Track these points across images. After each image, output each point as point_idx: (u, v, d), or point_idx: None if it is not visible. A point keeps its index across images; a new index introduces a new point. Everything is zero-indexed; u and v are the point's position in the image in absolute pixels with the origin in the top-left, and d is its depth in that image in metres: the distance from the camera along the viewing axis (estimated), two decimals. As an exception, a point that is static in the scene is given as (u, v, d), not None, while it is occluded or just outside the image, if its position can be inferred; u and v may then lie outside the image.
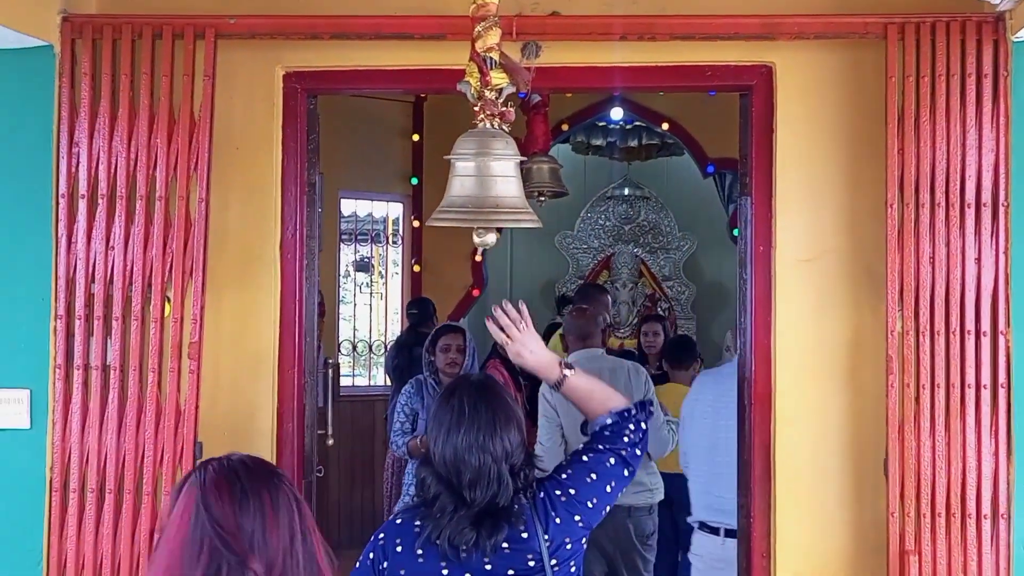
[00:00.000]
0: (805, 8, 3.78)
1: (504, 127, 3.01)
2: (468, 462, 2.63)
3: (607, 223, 10.71)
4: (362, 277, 9.92)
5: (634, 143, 10.06)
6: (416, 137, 8.85)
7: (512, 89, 3.04)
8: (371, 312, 9.44)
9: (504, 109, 3.01)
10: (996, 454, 3.58)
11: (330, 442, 4.70)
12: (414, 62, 3.92)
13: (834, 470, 3.81)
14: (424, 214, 8.82)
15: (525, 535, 2.64)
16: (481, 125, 2.99)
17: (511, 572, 2.65)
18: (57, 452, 3.75)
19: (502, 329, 2.89)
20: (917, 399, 3.60)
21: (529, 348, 2.88)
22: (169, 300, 3.80)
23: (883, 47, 3.68)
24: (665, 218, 10.69)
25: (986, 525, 3.58)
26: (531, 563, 2.65)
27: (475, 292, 8.94)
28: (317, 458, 4.25)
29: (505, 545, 2.63)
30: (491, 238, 3.04)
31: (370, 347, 9.11)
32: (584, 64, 3.88)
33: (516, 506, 2.65)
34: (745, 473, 3.96)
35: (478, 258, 8.94)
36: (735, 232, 8.99)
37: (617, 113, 8.98)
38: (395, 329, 9.18)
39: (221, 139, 3.85)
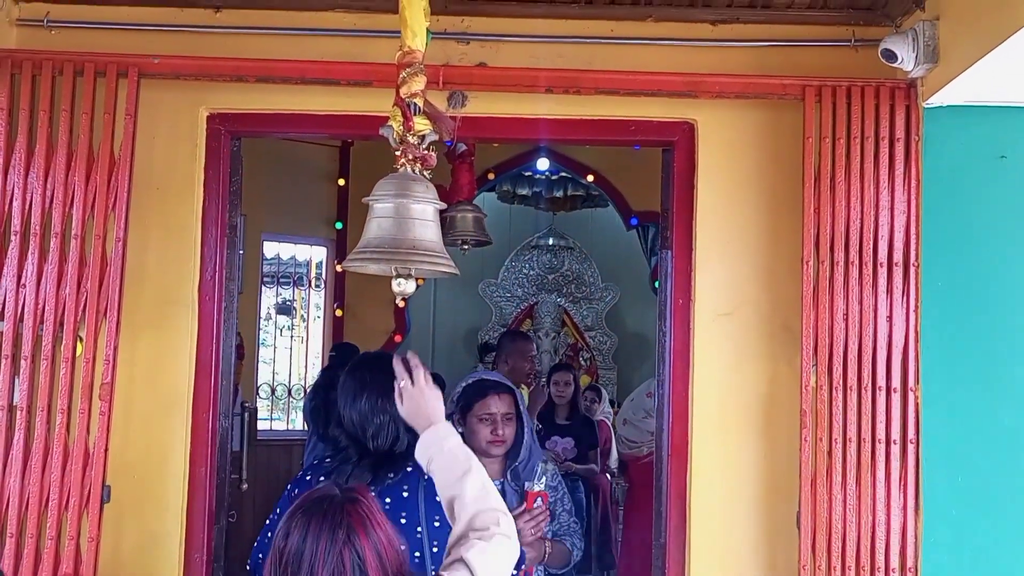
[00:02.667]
0: (727, 68, 3.87)
1: (425, 173, 3.02)
2: (370, 419, 3.01)
3: (531, 272, 10.74)
4: (283, 320, 9.82)
5: (559, 193, 10.11)
6: (342, 181, 8.78)
7: (435, 136, 3.05)
8: (291, 356, 9.33)
9: (425, 153, 3.01)
10: (904, 508, 3.63)
11: (244, 487, 4.63)
12: (339, 108, 3.92)
13: (748, 521, 3.85)
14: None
15: (406, 494, 2.96)
16: (402, 169, 2.99)
17: (402, 519, 2.93)
18: (-41, 494, 3.64)
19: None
20: (829, 453, 3.65)
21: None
22: (81, 340, 3.72)
23: (799, 108, 3.77)
24: (588, 268, 10.74)
25: (894, 578, 3.63)
26: (402, 521, 2.91)
27: (397, 338, 8.88)
28: (230, 502, 4.18)
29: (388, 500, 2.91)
30: (410, 286, 2.98)
31: (289, 391, 9.00)
32: (509, 115, 3.92)
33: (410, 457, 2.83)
34: (660, 523, 3.97)
35: (400, 303, 8.89)
36: (656, 284, 9.10)
37: (543, 164, 9.02)
38: (315, 373, 9.08)
39: (141, 179, 3.82)
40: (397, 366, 2.75)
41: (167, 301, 3.93)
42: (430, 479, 2.75)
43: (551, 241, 10.69)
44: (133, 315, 3.81)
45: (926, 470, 3.64)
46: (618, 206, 9.14)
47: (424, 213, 2.95)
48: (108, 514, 3.73)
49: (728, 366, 3.89)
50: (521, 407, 3.63)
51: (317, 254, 9.16)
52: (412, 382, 2.71)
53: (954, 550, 3.63)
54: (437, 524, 2.94)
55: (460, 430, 3.38)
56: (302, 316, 9.51)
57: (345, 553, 2.20)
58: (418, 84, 3.00)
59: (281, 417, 9.23)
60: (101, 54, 3.79)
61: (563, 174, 9.73)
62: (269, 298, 9.37)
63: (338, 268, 8.76)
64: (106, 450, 3.68)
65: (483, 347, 10.42)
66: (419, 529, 2.96)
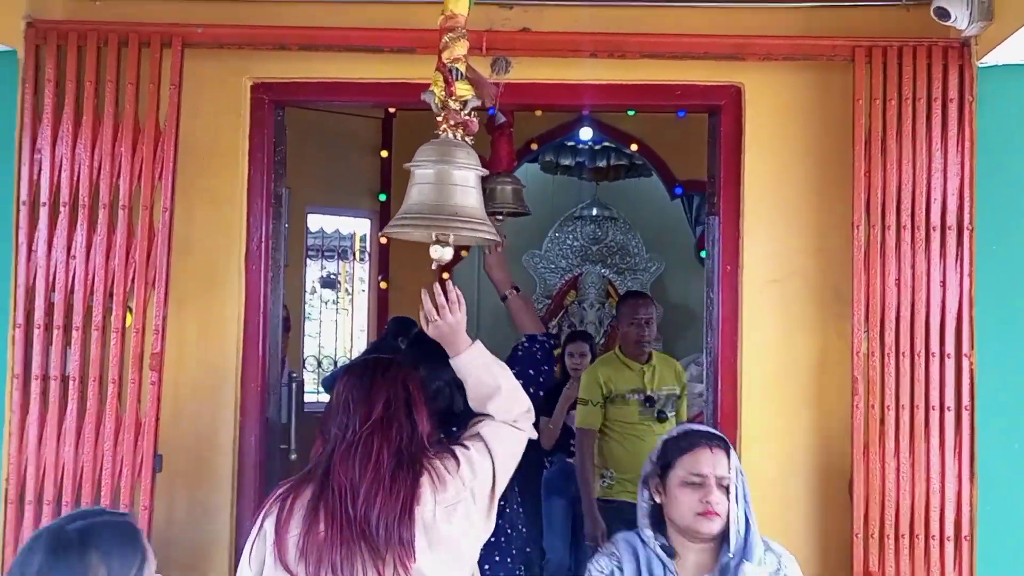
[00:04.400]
0: (774, 30, 3.80)
1: (467, 139, 3.00)
2: (428, 384, 3.21)
3: (575, 243, 10.67)
4: (328, 294, 9.85)
5: (603, 163, 10.02)
6: (385, 153, 8.77)
7: (477, 102, 3.03)
8: (337, 328, 9.37)
9: (467, 119, 3.00)
10: (959, 476, 3.58)
11: (293, 457, 4.64)
12: (383, 75, 3.91)
13: (799, 491, 3.81)
14: (392, 231, 8.75)
15: None
16: (444, 135, 2.97)
17: None
18: (13, 464, 3.69)
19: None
20: (882, 420, 3.60)
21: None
22: (131, 310, 3.74)
23: (850, 69, 3.70)
24: (632, 239, 10.65)
25: (949, 547, 3.59)
26: None
27: (442, 310, 8.89)
28: (280, 473, 4.19)
29: None
30: (448, 253, 2.99)
31: (335, 363, 9.04)
32: (553, 81, 3.87)
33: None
34: (709, 493, 3.93)
35: (446, 276, 8.89)
36: (702, 254, 8.99)
37: (586, 133, 8.94)
38: (361, 346, 9.12)
39: (186, 149, 3.82)
40: (426, 299, 2.93)
41: (214, 272, 3.94)
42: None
43: (595, 212, 10.62)
44: (180, 286, 3.82)
45: (981, 437, 3.59)
46: (662, 175, 9.06)
47: (465, 179, 2.93)
48: (160, 484, 3.76)
49: (778, 333, 3.84)
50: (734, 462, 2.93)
51: (361, 226, 9.17)
52: (441, 317, 2.91)
53: (1010, 517, 3.59)
54: None
55: (658, 499, 2.92)
56: (347, 289, 9.53)
57: (399, 385, 2.83)
58: (460, 49, 2.99)
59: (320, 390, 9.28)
60: (145, 24, 3.79)
61: (606, 144, 9.67)
62: (314, 271, 9.39)
63: (381, 239, 8.76)
64: (157, 420, 3.70)
65: (527, 318, 10.40)
66: None
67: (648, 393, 5.40)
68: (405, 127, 8.71)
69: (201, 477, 3.92)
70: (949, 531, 3.58)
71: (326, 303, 9.83)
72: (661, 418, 5.36)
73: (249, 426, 3.96)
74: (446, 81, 2.95)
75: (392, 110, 8.61)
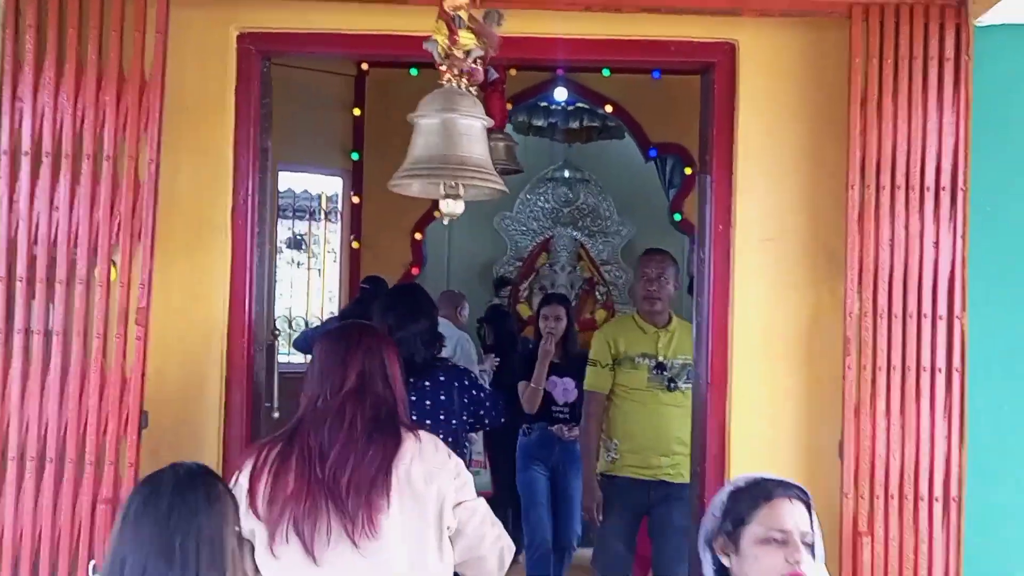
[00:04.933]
0: (770, -14, 3.77)
1: (471, 89, 2.95)
2: (394, 332, 3.94)
3: (546, 205, 10.66)
4: (295, 255, 9.77)
5: (575, 125, 10.01)
6: (357, 111, 8.71)
7: (481, 52, 2.97)
8: (308, 289, 9.31)
9: (473, 68, 2.94)
10: (948, 437, 3.60)
11: (275, 415, 4.60)
12: (374, 27, 3.83)
13: (789, 449, 3.81)
14: (365, 189, 8.71)
15: (443, 397, 4.08)
16: (447, 85, 2.92)
17: (440, 416, 4.05)
18: (-5, 419, 3.62)
19: None
20: (873, 381, 3.61)
21: None
22: (115, 264, 3.68)
23: (844, 27, 3.68)
24: (604, 202, 10.65)
25: (937, 508, 3.61)
26: (441, 417, 4.05)
27: (414, 270, 8.85)
28: (264, 432, 4.15)
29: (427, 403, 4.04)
30: (459, 207, 2.93)
31: (306, 324, 8.98)
32: (547, 35, 3.82)
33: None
34: (699, 453, 3.94)
35: (418, 236, 8.85)
36: (676, 217, 9.06)
37: (561, 94, 8.91)
38: (331, 307, 9.07)
39: (172, 100, 3.73)
40: None
41: (200, 226, 3.87)
42: (460, 385, 4.13)
43: (567, 174, 10.60)
44: (166, 240, 3.75)
45: (971, 399, 3.60)
46: (636, 137, 9.06)
47: (472, 128, 2.87)
48: (146, 440, 3.70)
49: (769, 293, 3.83)
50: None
51: (333, 185, 9.09)
52: None
53: (997, 480, 3.62)
54: (467, 419, 4.12)
55: (727, 561, 2.54)
56: (313, 251, 9.47)
57: (374, 354, 2.95)
58: (463, -4, 2.93)
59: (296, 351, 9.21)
60: (130, -31, 3.70)
61: (579, 105, 9.63)
62: (282, 232, 9.31)
63: (354, 198, 8.69)
64: (143, 375, 3.65)
65: (499, 281, 10.37)
66: (454, 423, 4.05)
67: (660, 359, 5.09)
68: (377, 85, 8.66)
69: (187, 435, 3.86)
70: (938, 492, 3.60)
71: (295, 264, 9.76)
72: (671, 387, 5.06)
73: (236, 384, 3.90)
74: (449, 29, 2.88)
75: (365, 67, 8.53)
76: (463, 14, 2.90)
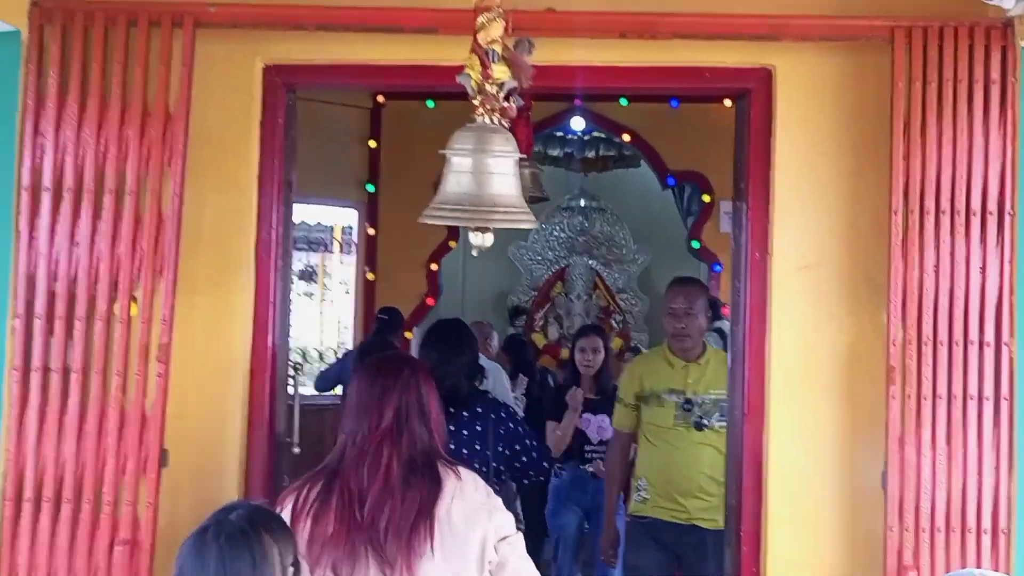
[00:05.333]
0: (808, 9, 3.69)
1: (504, 123, 2.88)
2: (439, 367, 3.89)
3: (561, 234, 10.62)
4: (304, 287, 9.71)
5: (591, 154, 9.98)
6: (373, 143, 8.67)
7: (514, 84, 2.90)
8: (322, 320, 9.24)
9: (505, 104, 2.87)
10: (997, 468, 3.49)
11: (296, 450, 4.50)
12: (402, 57, 3.77)
13: (830, 483, 3.71)
14: (380, 221, 8.66)
15: (479, 428, 4.07)
16: (480, 120, 2.85)
17: (476, 447, 4.03)
18: (11, 459, 3.53)
19: None
20: (918, 411, 3.50)
21: None
22: (135, 300, 3.60)
23: (885, 51, 3.59)
24: (620, 230, 10.62)
25: (986, 540, 3.49)
26: (476, 447, 4.04)
27: (430, 301, 8.77)
28: (286, 469, 4.06)
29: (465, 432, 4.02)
30: (488, 240, 2.93)
31: (320, 356, 8.90)
32: (579, 63, 3.75)
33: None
34: (735, 486, 3.84)
35: (434, 267, 8.78)
36: (694, 244, 8.98)
37: (578, 123, 8.88)
38: (346, 338, 9.00)
39: (196, 133, 3.65)
40: None
41: (224, 260, 3.80)
42: (496, 417, 4.08)
43: (582, 203, 10.57)
44: (189, 275, 3.67)
45: (1021, 428, 3.49)
46: (654, 166, 9.00)
47: (504, 167, 2.82)
48: (166, 480, 3.60)
49: (808, 322, 3.73)
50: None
51: (348, 217, 9.05)
52: None
53: (1050, 511, 3.50)
54: (503, 450, 4.08)
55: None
56: (324, 282, 9.42)
57: (411, 390, 2.91)
58: (497, 30, 2.85)
59: (308, 383, 9.12)
60: (155, 3, 3.63)
61: (595, 134, 9.60)
62: (295, 264, 9.25)
63: (369, 230, 8.63)
64: (163, 413, 3.56)
65: (514, 310, 10.31)
66: (488, 452, 4.02)
67: (688, 396, 4.78)
68: (394, 117, 8.65)
69: (208, 473, 3.78)
70: (986, 524, 3.48)
71: (306, 295, 9.71)
72: (699, 427, 4.74)
73: (258, 421, 3.83)
74: (483, 63, 2.81)
75: (381, 99, 8.50)
76: (497, 47, 2.84)
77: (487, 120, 2.84)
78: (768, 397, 3.75)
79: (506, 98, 2.86)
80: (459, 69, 3.54)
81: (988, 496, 3.49)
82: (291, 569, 2.26)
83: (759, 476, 3.75)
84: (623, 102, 8.38)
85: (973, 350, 3.50)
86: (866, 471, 3.65)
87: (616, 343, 10.00)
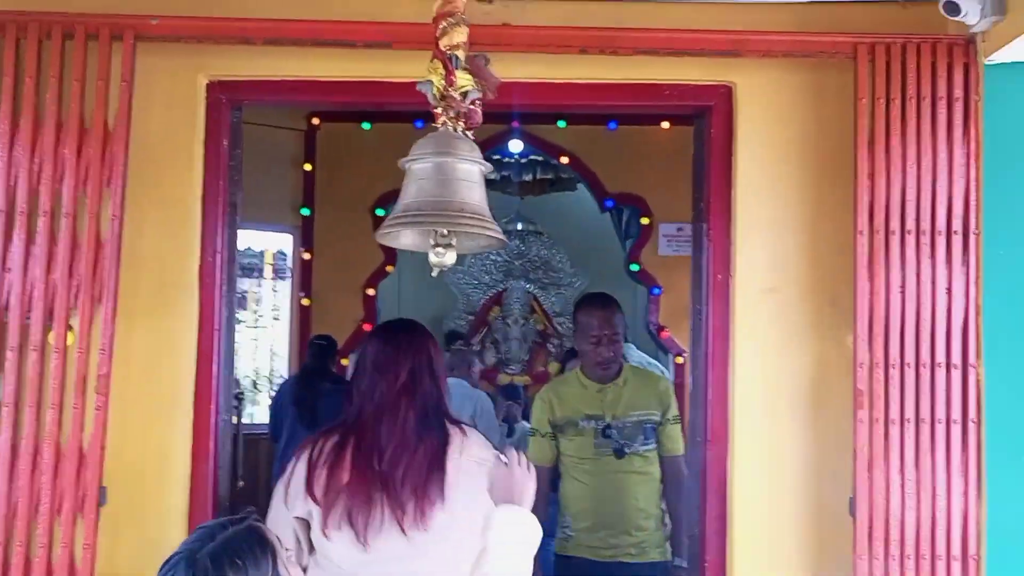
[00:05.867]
0: (771, 25, 3.63)
1: (468, 133, 2.74)
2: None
3: (498, 258, 10.49)
4: (237, 313, 9.48)
5: (528, 177, 9.88)
6: (308, 167, 8.48)
7: (479, 93, 2.77)
8: (255, 348, 9.01)
9: (470, 109, 2.74)
10: (966, 493, 3.43)
11: (240, 483, 4.32)
12: (355, 73, 3.64)
13: (796, 509, 3.62)
14: (315, 245, 8.47)
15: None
16: (443, 128, 2.71)
17: None
18: (-62, 500, 3.31)
19: None
20: (886, 435, 3.43)
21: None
22: (71, 329, 3.41)
23: (847, 68, 3.55)
24: (557, 254, 10.53)
25: (956, 567, 3.42)
26: None
27: (366, 326, 8.57)
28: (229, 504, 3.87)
29: None
30: (451, 257, 2.69)
31: (255, 384, 8.67)
32: (540, 80, 3.64)
33: None
34: (699, 514, 3.74)
35: (371, 292, 8.60)
36: (633, 268, 8.92)
37: (516, 146, 8.76)
38: (280, 366, 8.79)
39: (137, 152, 3.50)
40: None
41: (166, 285, 3.62)
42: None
43: (519, 226, 10.45)
44: (129, 301, 3.49)
45: (989, 452, 3.43)
46: (592, 188, 8.92)
47: (470, 174, 2.66)
48: (104, 519, 3.42)
49: (772, 345, 3.65)
50: None
51: (281, 242, 8.85)
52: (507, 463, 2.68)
53: (1018, 535, 3.43)
54: None
55: None
56: (253, 310, 9.20)
57: (423, 351, 3.10)
58: (459, 35, 2.74)
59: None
60: (93, 15, 3.47)
61: (532, 157, 9.50)
62: (226, 290, 9.03)
63: (304, 255, 8.44)
64: (103, 448, 3.38)
65: (450, 335, 10.15)
66: None
67: (607, 420, 4.36)
68: (329, 139, 8.47)
69: (150, 511, 3.59)
70: (956, 550, 3.42)
71: (238, 323, 9.46)
72: (619, 454, 4.33)
73: (202, 454, 3.65)
74: (446, 69, 2.68)
75: (316, 121, 8.34)
76: (460, 54, 2.72)
77: (450, 128, 2.70)
78: (732, 422, 3.67)
79: (471, 105, 2.74)
80: (413, 85, 3.42)
81: (957, 522, 3.43)
82: None
83: (723, 504, 3.66)
84: (561, 124, 8.30)
85: (940, 372, 3.44)
86: (834, 497, 3.57)
87: (553, 367, 9.90)
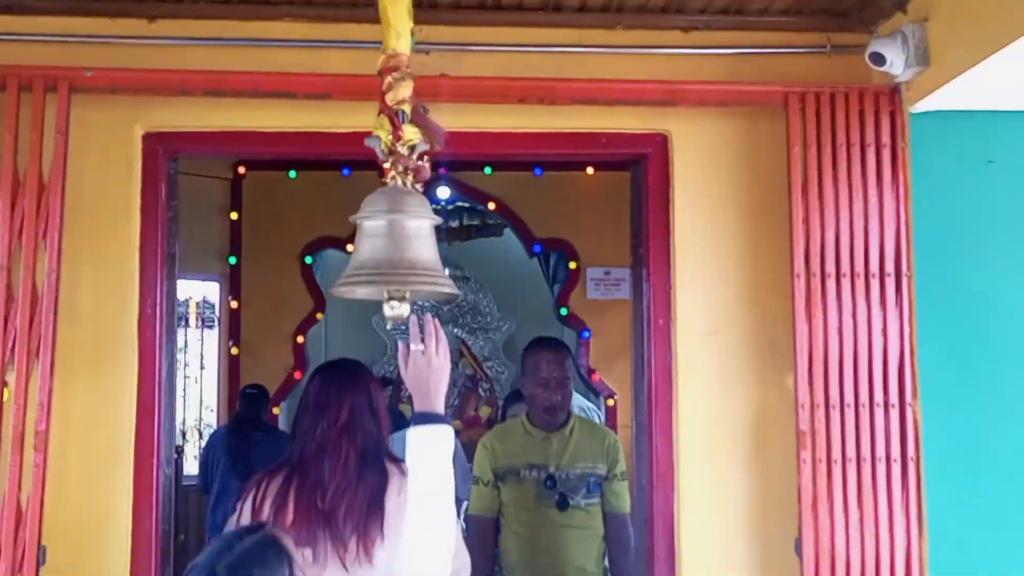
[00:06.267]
0: (703, 75, 3.72)
1: (417, 186, 2.76)
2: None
3: (426, 303, 10.46)
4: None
5: (455, 223, 9.89)
6: (235, 215, 8.41)
7: (426, 146, 2.79)
8: (184, 398, 8.85)
9: (419, 164, 2.76)
10: (908, 530, 3.50)
11: (180, 537, 4.24)
12: (294, 124, 3.64)
13: (742, 550, 3.67)
14: (243, 294, 8.39)
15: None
16: (392, 183, 2.72)
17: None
18: None
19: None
20: (828, 474, 3.49)
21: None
22: (7, 384, 3.34)
23: (779, 115, 3.65)
24: (484, 299, 10.55)
25: (900, 603, 3.49)
26: None
27: (297, 374, 8.50)
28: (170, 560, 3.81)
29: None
30: (405, 310, 2.70)
31: (184, 435, 8.52)
32: (477, 129, 3.66)
33: None
34: (647, 556, 3.75)
35: (300, 339, 8.54)
36: (563, 311, 8.98)
37: (443, 192, 8.79)
38: (208, 416, 8.65)
39: (72, 204, 3.46)
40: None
41: (104, 338, 3.58)
42: None
43: (447, 272, 10.44)
44: (66, 355, 3.44)
45: (929, 488, 3.51)
46: (520, 233, 8.96)
47: (420, 230, 2.67)
48: (43, 578, 3.34)
49: (714, 387, 3.71)
50: None
51: (207, 290, 8.73)
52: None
53: (961, 571, 3.50)
54: None
55: None
56: (180, 360, 9.06)
57: (363, 390, 3.11)
58: (405, 90, 2.73)
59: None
60: (26, 67, 3.43)
61: (459, 203, 9.53)
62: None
63: (232, 303, 8.35)
64: (42, 506, 3.31)
65: (381, 380, 10.10)
66: None
67: (551, 470, 4.04)
68: (255, 188, 8.41)
69: (89, 567, 3.51)
70: (900, 586, 3.48)
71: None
72: (562, 506, 4.00)
73: (144, 509, 3.59)
74: (393, 124, 2.69)
75: (242, 170, 8.29)
76: (406, 108, 2.73)
77: (399, 183, 2.72)
78: (677, 465, 3.70)
79: (418, 159, 2.76)
80: (354, 136, 3.43)
81: (900, 558, 3.49)
82: None
83: (671, 545, 3.68)
84: (487, 171, 8.35)
85: (879, 411, 3.52)
86: (779, 536, 3.62)
87: (484, 411, 9.89)
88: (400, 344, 2.54)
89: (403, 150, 2.71)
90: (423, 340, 2.50)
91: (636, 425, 3.88)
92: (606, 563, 4.13)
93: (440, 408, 2.47)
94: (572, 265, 8.79)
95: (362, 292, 2.76)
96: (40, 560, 3.32)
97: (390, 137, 2.71)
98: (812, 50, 3.75)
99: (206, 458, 6.80)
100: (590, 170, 8.07)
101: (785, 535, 3.58)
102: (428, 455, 2.44)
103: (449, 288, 2.68)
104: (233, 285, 8.44)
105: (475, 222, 9.90)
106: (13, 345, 3.34)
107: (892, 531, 3.49)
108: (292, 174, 8.17)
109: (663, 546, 3.69)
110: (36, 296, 3.37)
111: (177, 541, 4.19)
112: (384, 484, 2.98)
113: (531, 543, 4.04)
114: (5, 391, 3.35)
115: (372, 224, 2.65)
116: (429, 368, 2.46)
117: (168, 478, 3.72)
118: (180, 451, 5.20)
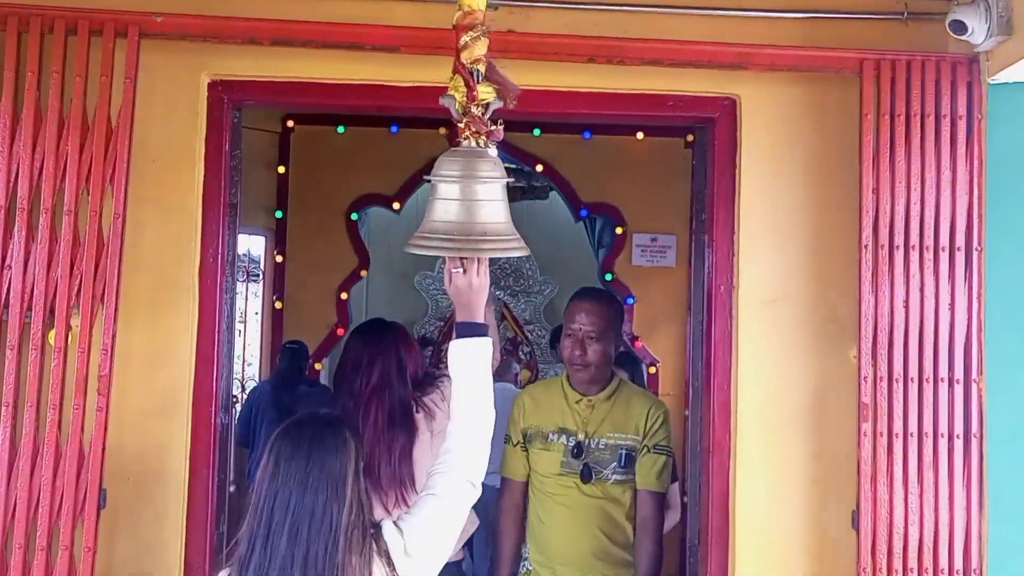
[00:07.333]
0: (776, 39, 3.65)
1: (490, 147, 2.74)
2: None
3: (472, 256, 10.46)
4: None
5: (501, 185, 9.86)
6: (282, 169, 8.39)
7: (500, 104, 2.76)
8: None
9: (493, 128, 2.73)
10: (968, 507, 3.46)
11: (231, 488, 4.26)
12: (360, 76, 3.61)
13: (799, 522, 3.64)
14: (288, 248, 8.39)
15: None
16: (466, 144, 2.70)
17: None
18: (-67, 501, 3.24)
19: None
20: (889, 449, 3.46)
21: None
22: (71, 328, 3.35)
23: (851, 83, 3.58)
24: (526, 261, 10.51)
25: (957, 581, 3.46)
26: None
27: (339, 331, 8.51)
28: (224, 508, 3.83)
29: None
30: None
31: (242, 385, 8.56)
32: (545, 87, 3.60)
33: None
34: (702, 525, 3.74)
35: (344, 296, 8.54)
36: (607, 277, 8.93)
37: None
38: (251, 371, 8.70)
39: (137, 150, 3.45)
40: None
41: (165, 286, 3.58)
42: None
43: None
44: (127, 302, 3.45)
45: (991, 466, 3.46)
46: (567, 197, 8.91)
47: (493, 193, 2.68)
48: (103, 522, 3.38)
49: (775, 357, 3.66)
50: None
51: (255, 244, 8.75)
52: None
53: (1021, 550, 3.47)
54: None
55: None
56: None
57: (393, 353, 3.78)
58: (481, 49, 2.72)
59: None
60: (96, 11, 3.42)
61: (506, 165, 9.47)
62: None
63: (277, 257, 8.37)
64: (104, 450, 3.33)
65: (420, 341, 10.11)
66: None
67: (580, 438, 3.76)
68: (303, 142, 8.37)
69: (147, 513, 3.54)
70: (959, 564, 3.44)
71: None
72: (585, 477, 3.71)
73: (201, 456, 3.60)
74: (467, 84, 2.67)
75: (291, 124, 8.26)
76: (481, 67, 2.70)
77: (472, 144, 2.70)
78: (734, 434, 3.67)
79: (492, 120, 2.73)
80: (419, 90, 3.41)
81: (960, 536, 3.46)
82: (361, 464, 2.48)
83: (726, 516, 3.66)
84: (536, 132, 8.28)
85: (943, 387, 3.48)
86: (836, 510, 3.59)
87: (524, 375, 9.87)
88: (448, 261, 2.67)
89: (477, 111, 2.69)
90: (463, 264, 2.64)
91: (692, 391, 3.85)
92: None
93: (480, 319, 2.65)
94: (619, 230, 8.73)
95: (434, 254, 2.77)
96: (101, 503, 3.35)
97: (464, 97, 2.69)
98: (889, 16, 3.67)
99: (248, 412, 6.83)
100: (640, 135, 7.99)
101: (842, 509, 3.56)
102: (470, 363, 2.60)
103: (520, 251, 2.68)
104: (279, 239, 8.44)
105: (521, 184, 9.85)
106: (79, 290, 3.35)
107: (952, 508, 3.45)
108: (340, 129, 8.13)
109: (718, 515, 3.68)
110: (102, 241, 3.37)
111: (227, 492, 4.20)
112: (412, 437, 3.64)
113: (554, 518, 3.78)
114: (69, 335, 3.37)
115: (445, 187, 2.66)
116: (471, 288, 2.64)
117: (224, 427, 3.74)
118: (237, 401, 5.21)
